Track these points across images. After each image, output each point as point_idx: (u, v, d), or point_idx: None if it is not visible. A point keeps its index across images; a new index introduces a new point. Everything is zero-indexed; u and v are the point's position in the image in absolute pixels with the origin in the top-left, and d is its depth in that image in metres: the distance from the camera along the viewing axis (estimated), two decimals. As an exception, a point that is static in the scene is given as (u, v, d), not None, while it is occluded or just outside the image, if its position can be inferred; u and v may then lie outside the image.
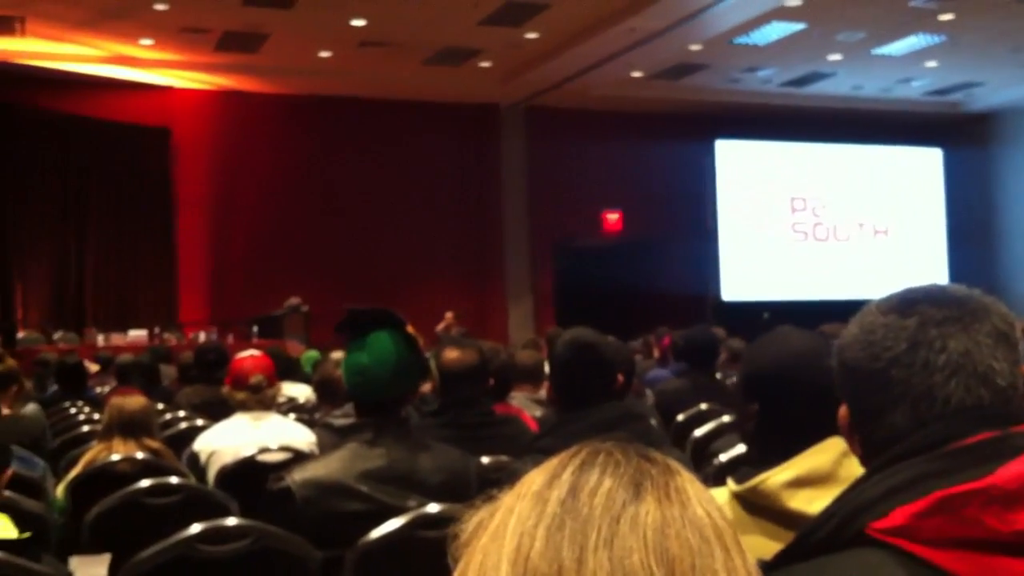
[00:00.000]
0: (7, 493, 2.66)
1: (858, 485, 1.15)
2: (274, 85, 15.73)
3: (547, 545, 0.73)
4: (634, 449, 0.81)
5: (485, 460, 3.06)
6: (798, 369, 1.88)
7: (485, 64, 15.26)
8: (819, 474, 1.80)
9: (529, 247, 17.75)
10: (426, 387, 4.63)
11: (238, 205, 15.85)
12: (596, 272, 17.19)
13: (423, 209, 16.80)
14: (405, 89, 16.06)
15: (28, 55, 13.80)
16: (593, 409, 2.74)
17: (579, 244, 17.90)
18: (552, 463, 0.80)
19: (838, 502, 1.16)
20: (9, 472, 2.54)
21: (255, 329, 13.04)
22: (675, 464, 0.80)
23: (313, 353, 9.03)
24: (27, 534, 2.39)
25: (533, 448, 2.76)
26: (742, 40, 14.36)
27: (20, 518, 2.51)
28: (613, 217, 18.19)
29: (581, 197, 17.71)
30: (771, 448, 1.86)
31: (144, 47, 13.95)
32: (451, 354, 3.63)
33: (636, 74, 15.86)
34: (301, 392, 6.91)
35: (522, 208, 17.68)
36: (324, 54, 14.43)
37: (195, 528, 2.41)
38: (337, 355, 7.00)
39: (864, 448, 1.25)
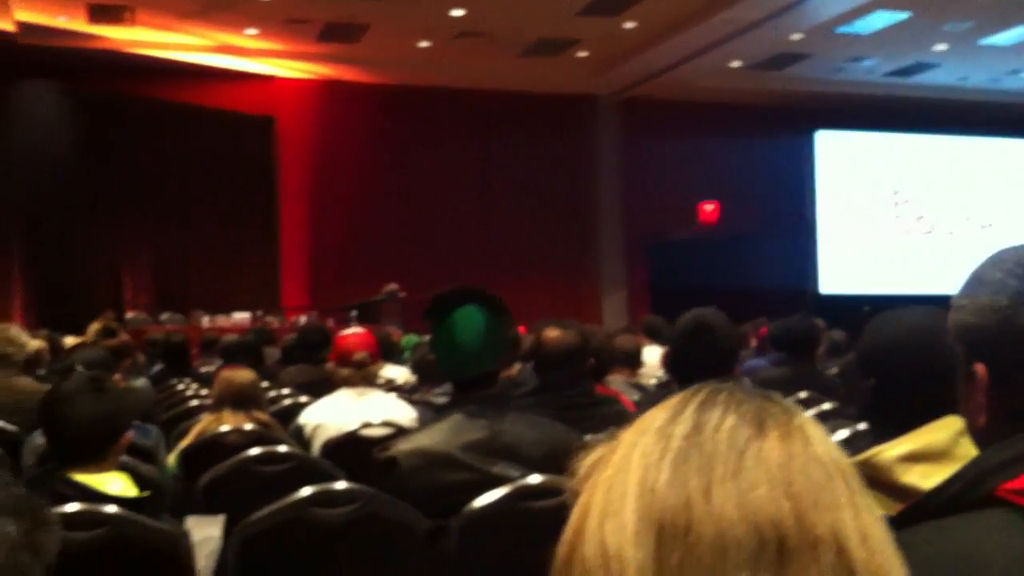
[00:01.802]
0: (125, 457, 2.76)
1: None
2: (374, 75, 15.92)
3: (673, 476, 0.73)
4: (753, 390, 0.81)
5: (587, 438, 3.08)
6: (917, 345, 1.86)
7: (582, 54, 15.24)
8: (935, 450, 1.77)
9: (624, 239, 17.68)
10: (513, 370, 4.64)
11: (338, 193, 16.09)
12: (691, 265, 17.04)
13: (518, 199, 16.83)
14: (502, 80, 16.12)
15: (137, 44, 14.19)
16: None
17: (674, 237, 17.76)
18: (672, 401, 0.80)
19: (967, 465, 1.14)
20: (129, 436, 2.63)
21: (354, 314, 13.22)
22: (794, 406, 0.80)
23: (412, 337, 9.15)
24: (147, 493, 2.49)
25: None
26: (845, 29, 14.10)
27: (138, 480, 2.60)
28: (709, 208, 18.01)
29: (677, 189, 17.58)
30: (886, 423, 1.84)
31: (249, 37, 14.25)
32: (551, 334, 3.65)
33: (735, 64, 15.68)
34: (400, 374, 7.01)
35: (617, 200, 17.61)
36: (423, 44, 14.56)
37: (306, 491, 2.47)
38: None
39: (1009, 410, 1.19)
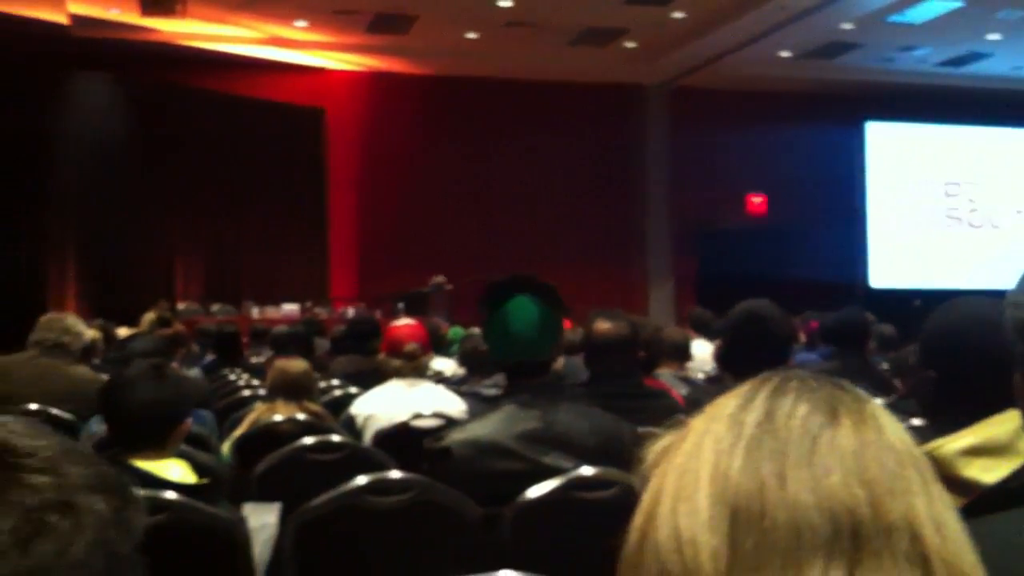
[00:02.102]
0: (183, 445, 2.80)
1: None
2: (422, 66, 15.98)
3: (747, 463, 0.73)
4: (824, 378, 0.81)
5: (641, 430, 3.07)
6: (978, 336, 1.84)
7: (630, 44, 15.19)
8: (996, 444, 1.76)
9: (671, 230, 17.61)
10: (558, 364, 4.64)
11: (387, 184, 16.19)
12: (739, 257, 16.92)
13: (565, 190, 16.83)
14: (550, 70, 16.11)
15: (188, 36, 14.35)
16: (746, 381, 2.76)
17: (722, 228, 17.65)
18: (742, 390, 0.80)
19: None
20: (188, 423, 2.67)
21: (401, 306, 13.29)
22: (864, 394, 0.80)
23: (459, 330, 9.18)
24: (205, 480, 2.53)
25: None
26: (897, 18, 13.92)
27: (196, 467, 2.64)
28: (757, 200, 17.89)
29: (725, 180, 17.48)
30: (947, 416, 1.83)
31: (299, 29, 14.36)
32: (602, 325, 3.64)
33: (785, 54, 15.55)
34: (447, 366, 7.03)
35: (665, 190, 17.55)
36: (471, 35, 14.59)
37: (361, 479, 2.50)
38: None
39: None
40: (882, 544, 0.70)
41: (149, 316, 7.28)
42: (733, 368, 2.88)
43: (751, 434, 0.75)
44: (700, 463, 0.76)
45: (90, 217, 14.27)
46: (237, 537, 2.39)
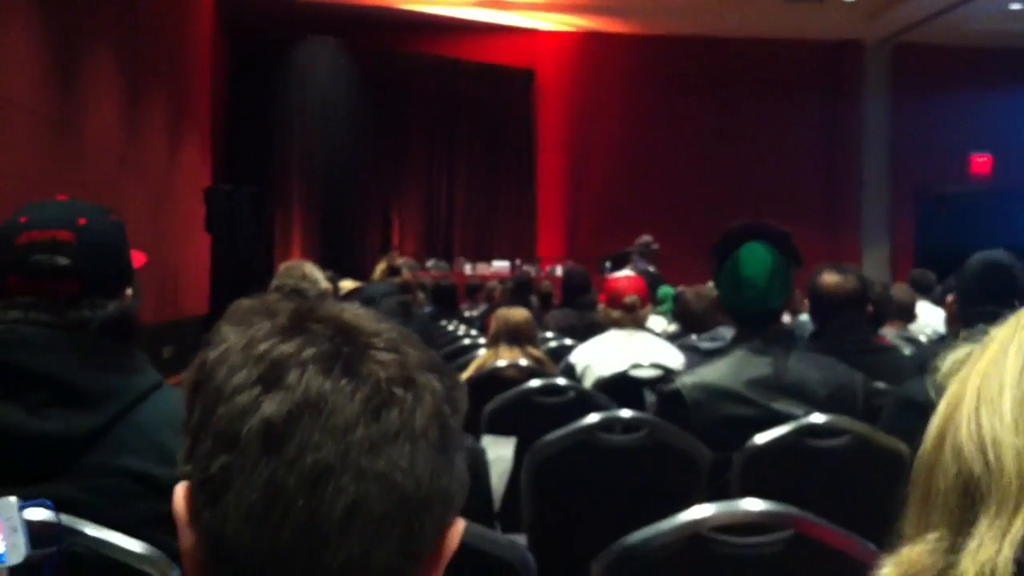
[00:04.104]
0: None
1: None
2: (634, 26, 15.88)
3: None
4: None
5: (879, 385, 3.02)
6: None
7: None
8: None
9: (889, 192, 16.95)
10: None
11: (596, 145, 16.22)
12: (961, 222, 16.15)
13: (777, 151, 16.44)
14: (764, 27, 15.70)
15: (407, 0, 14.74)
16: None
17: (944, 190, 16.87)
18: None
19: None
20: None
21: (608, 265, 13.33)
22: None
23: (668, 289, 9.15)
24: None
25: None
26: None
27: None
28: (982, 160, 16.98)
29: (948, 140, 16.66)
30: None
31: (513, -11, 14.54)
32: (830, 278, 3.59)
33: (1015, 7, 14.65)
34: (657, 323, 7.05)
35: (882, 150, 16.89)
36: (684, -7, 14.40)
37: (594, 417, 2.58)
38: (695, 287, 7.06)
39: None
40: None
41: (381, 266, 7.62)
42: (970, 318, 2.79)
43: None
44: (1004, 369, 0.77)
45: (314, 175, 14.95)
46: (478, 467, 2.50)
